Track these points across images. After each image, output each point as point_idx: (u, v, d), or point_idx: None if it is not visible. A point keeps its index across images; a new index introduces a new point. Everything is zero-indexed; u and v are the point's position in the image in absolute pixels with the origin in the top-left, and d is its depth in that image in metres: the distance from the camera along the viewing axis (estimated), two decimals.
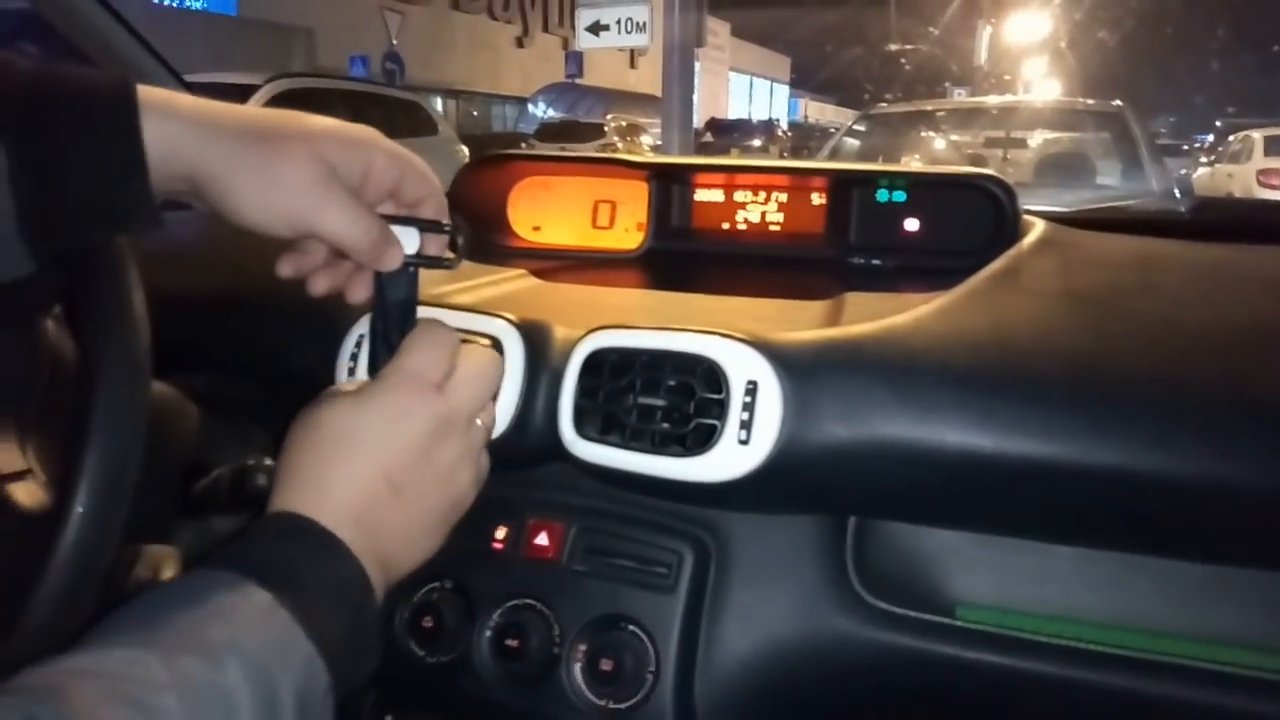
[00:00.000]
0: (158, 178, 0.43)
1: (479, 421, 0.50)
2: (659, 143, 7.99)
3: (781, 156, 15.41)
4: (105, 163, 0.43)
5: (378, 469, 0.44)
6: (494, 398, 0.53)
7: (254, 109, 0.47)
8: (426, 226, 0.50)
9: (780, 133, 18.65)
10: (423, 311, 0.65)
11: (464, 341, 0.51)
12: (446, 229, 0.51)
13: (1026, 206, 0.87)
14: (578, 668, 0.64)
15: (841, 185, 0.93)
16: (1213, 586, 0.60)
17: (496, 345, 0.63)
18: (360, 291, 0.51)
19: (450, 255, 0.51)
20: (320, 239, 0.47)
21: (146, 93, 0.44)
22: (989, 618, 0.62)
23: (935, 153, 4.21)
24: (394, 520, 0.45)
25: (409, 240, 0.49)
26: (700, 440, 0.57)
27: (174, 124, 0.44)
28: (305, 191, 0.45)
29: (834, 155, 4.21)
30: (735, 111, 30.68)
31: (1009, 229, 0.82)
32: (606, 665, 0.62)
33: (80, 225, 0.44)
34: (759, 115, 29.22)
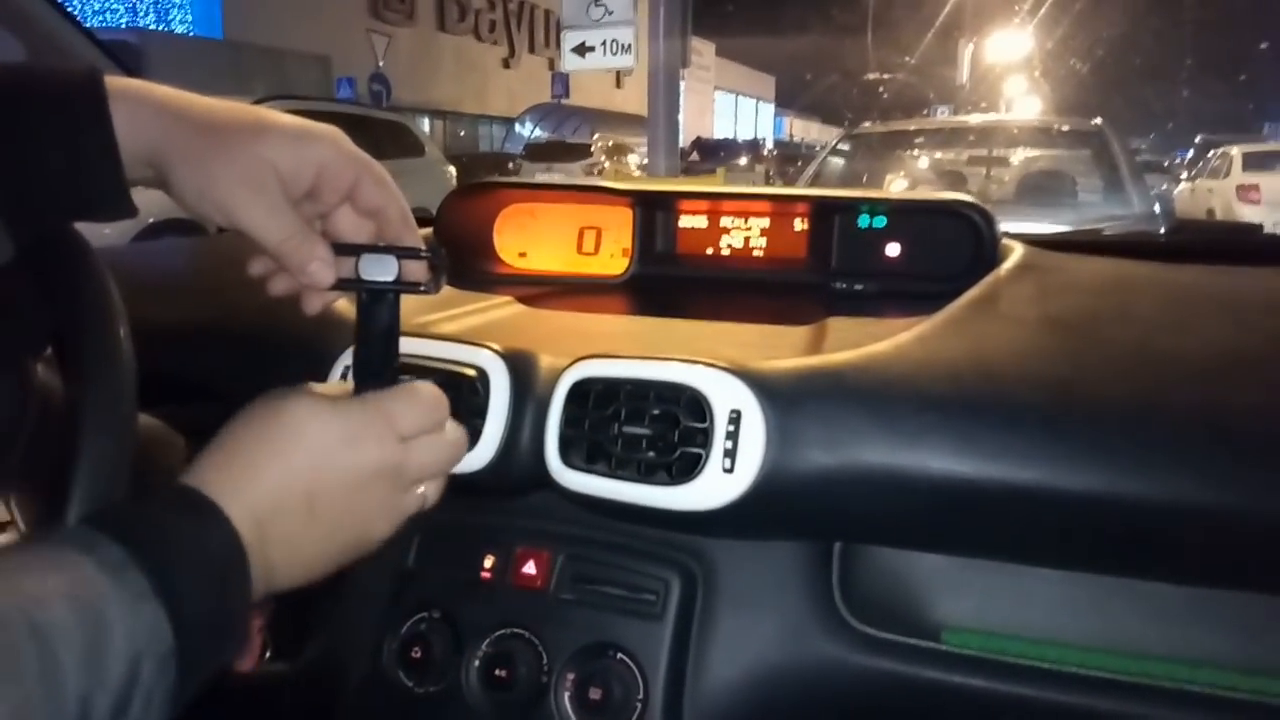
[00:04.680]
0: (129, 162, 0.45)
1: (423, 491, 0.49)
2: (645, 162, 8.03)
3: (767, 174, 15.52)
4: (79, 152, 0.44)
5: (303, 482, 0.44)
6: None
7: (225, 102, 0.48)
8: (404, 254, 0.50)
9: (765, 152, 18.79)
10: (410, 342, 0.65)
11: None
12: (424, 255, 0.51)
13: (1006, 229, 0.89)
14: (566, 696, 0.64)
15: (823, 211, 0.95)
16: (1194, 608, 0.61)
17: (482, 378, 0.63)
18: (314, 302, 0.52)
19: (427, 280, 0.51)
20: (243, 232, 0.47)
21: (117, 82, 0.46)
22: (974, 641, 0.62)
23: (918, 172, 4.25)
24: (295, 537, 0.44)
25: (387, 268, 0.49)
26: (685, 469, 0.58)
27: (145, 111, 0.46)
28: (235, 186, 0.46)
29: (818, 174, 4.24)
30: (721, 130, 30.94)
31: (988, 254, 0.83)
32: (595, 694, 0.62)
33: (55, 212, 0.47)
34: (745, 134, 29.45)
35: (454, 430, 0.50)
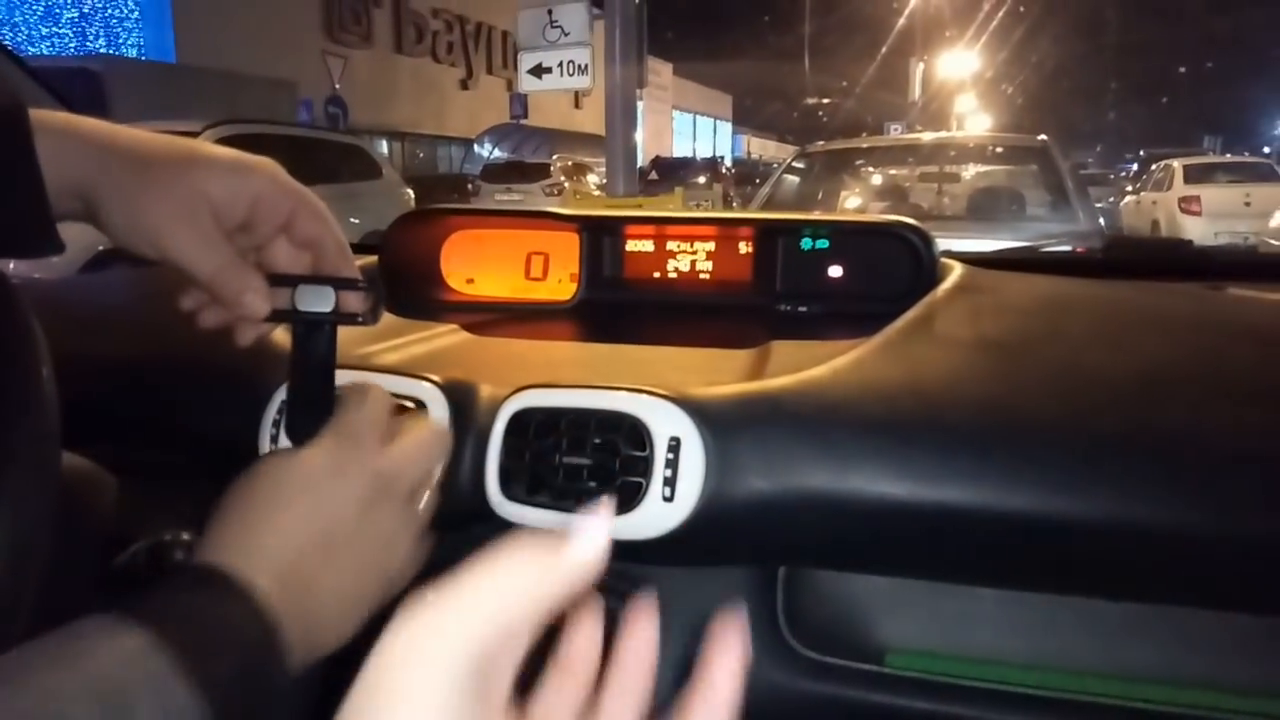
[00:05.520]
0: (56, 196, 0.44)
1: (423, 499, 0.49)
2: (606, 181, 8.07)
3: (726, 192, 15.65)
4: (2, 187, 0.43)
5: (313, 524, 0.44)
6: (439, 477, 0.52)
7: (156, 134, 0.48)
8: (341, 284, 0.50)
9: (724, 170, 18.98)
10: (349, 374, 0.65)
11: (404, 408, 0.51)
12: (361, 286, 0.51)
13: (957, 244, 0.90)
14: None
15: (767, 234, 0.96)
16: (1132, 624, 0.62)
17: (421, 410, 0.62)
18: (248, 334, 0.51)
19: (365, 311, 0.51)
20: (173, 265, 0.47)
21: (41, 115, 0.45)
22: (917, 663, 0.63)
23: (871, 188, 4.32)
24: (326, 582, 0.44)
25: (323, 299, 0.49)
26: (626, 498, 0.58)
27: (71, 144, 0.45)
28: (165, 218, 0.45)
29: (774, 192, 4.30)
30: (680, 148, 31.20)
31: (926, 274, 0.85)
32: None
33: None
34: (704, 152, 29.74)
35: (422, 424, 0.51)
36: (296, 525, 0.43)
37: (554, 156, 15.26)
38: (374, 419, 0.48)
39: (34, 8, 13.36)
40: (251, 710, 0.38)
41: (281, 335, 0.66)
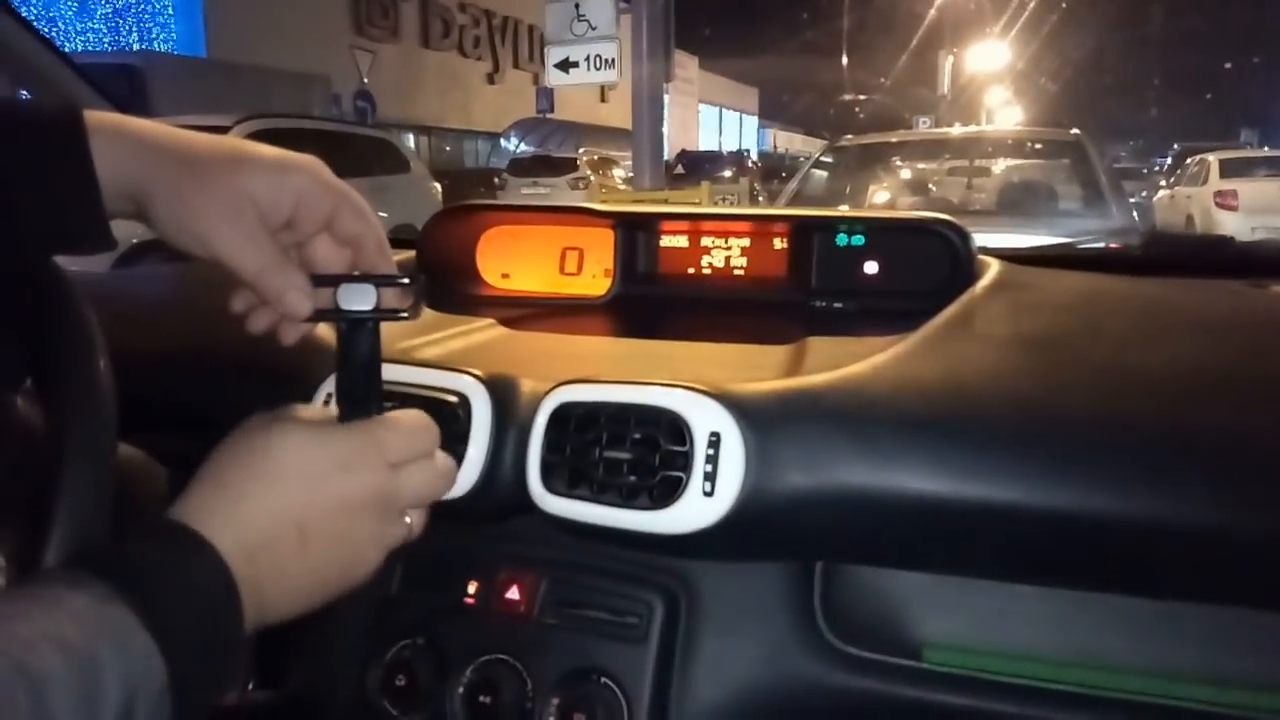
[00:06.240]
0: (109, 196, 0.46)
1: (410, 521, 0.49)
2: (631, 175, 8.07)
3: (752, 186, 15.62)
4: (59, 187, 0.45)
5: (297, 511, 0.44)
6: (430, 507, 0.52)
7: (203, 135, 0.49)
8: (383, 281, 0.50)
9: (750, 164, 18.91)
10: (392, 369, 0.66)
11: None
12: (403, 282, 0.51)
13: (988, 240, 0.90)
14: None
15: (802, 230, 0.96)
16: (1170, 622, 0.62)
17: (464, 404, 0.63)
18: (292, 333, 0.52)
19: (407, 307, 0.52)
20: (220, 263, 0.47)
21: (96, 116, 0.46)
22: (955, 659, 0.63)
23: (901, 182, 4.29)
24: (287, 567, 0.44)
25: (365, 297, 0.50)
26: (666, 492, 0.58)
27: (124, 145, 0.46)
28: (212, 217, 0.46)
29: (802, 186, 4.28)
30: (705, 142, 31.11)
31: (964, 271, 0.84)
32: (579, 719, 0.63)
33: (36, 246, 0.47)
34: (729, 146, 29.66)
35: (442, 459, 0.51)
36: (278, 509, 0.44)
37: (580, 150, 15.28)
38: (408, 444, 0.48)
39: (69, 3, 13.58)
40: (208, 663, 0.39)
41: (327, 329, 0.67)
